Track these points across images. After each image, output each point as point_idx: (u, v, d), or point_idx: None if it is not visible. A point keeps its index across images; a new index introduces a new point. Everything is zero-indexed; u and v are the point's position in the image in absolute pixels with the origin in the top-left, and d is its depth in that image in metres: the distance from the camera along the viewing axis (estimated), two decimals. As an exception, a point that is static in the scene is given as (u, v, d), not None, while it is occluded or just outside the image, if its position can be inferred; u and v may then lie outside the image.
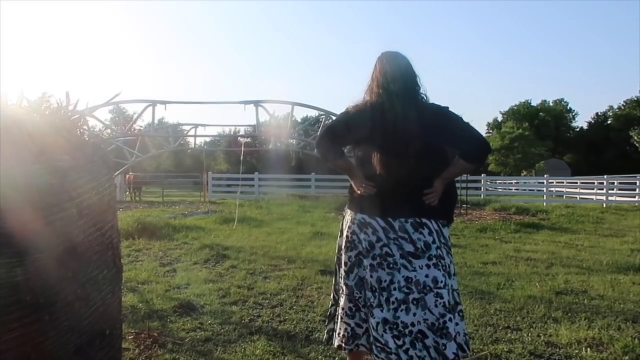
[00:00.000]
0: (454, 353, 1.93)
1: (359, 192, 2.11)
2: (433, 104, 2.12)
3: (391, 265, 2.00)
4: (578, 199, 18.73)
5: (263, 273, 4.93)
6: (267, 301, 3.93)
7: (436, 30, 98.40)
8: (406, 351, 1.94)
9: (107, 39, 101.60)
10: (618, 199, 17.31)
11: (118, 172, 7.99)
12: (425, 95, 2.12)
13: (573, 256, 6.06)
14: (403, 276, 1.98)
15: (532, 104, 58.86)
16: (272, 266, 5.27)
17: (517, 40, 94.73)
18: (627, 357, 2.78)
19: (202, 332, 3.17)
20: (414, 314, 1.97)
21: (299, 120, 27.87)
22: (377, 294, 2.01)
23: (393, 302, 1.97)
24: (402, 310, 1.96)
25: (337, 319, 2.21)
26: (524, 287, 4.35)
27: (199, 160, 30.25)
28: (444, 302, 1.97)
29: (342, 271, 2.18)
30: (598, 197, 17.76)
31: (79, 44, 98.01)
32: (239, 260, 5.54)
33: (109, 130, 8.59)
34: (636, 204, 15.81)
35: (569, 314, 3.59)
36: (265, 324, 3.37)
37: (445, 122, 2.06)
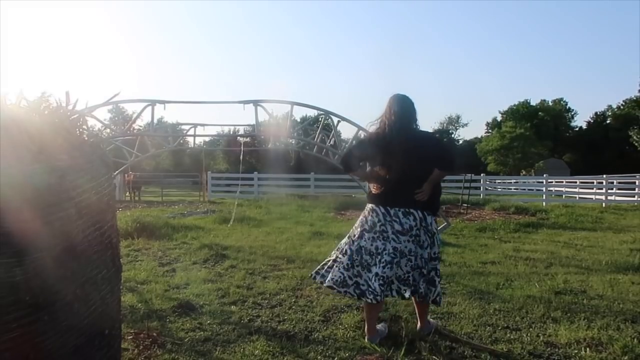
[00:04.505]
0: (408, 296, 3.05)
1: (373, 191, 3.15)
2: (423, 131, 3.22)
3: (385, 238, 3.00)
4: (577, 198, 18.73)
5: (262, 273, 4.93)
6: (267, 301, 3.93)
7: (436, 31, 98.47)
8: (383, 292, 2.95)
9: (106, 39, 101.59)
10: (617, 198, 17.32)
11: (117, 171, 7.98)
12: (418, 126, 3.13)
13: (572, 256, 6.06)
14: (392, 246, 2.98)
15: (531, 104, 58.88)
16: (272, 266, 5.26)
17: (517, 40, 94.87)
18: (626, 357, 2.78)
19: (202, 332, 3.17)
20: (394, 271, 2.97)
21: (299, 119, 27.86)
22: (373, 256, 3.02)
23: (382, 262, 2.96)
24: (387, 268, 2.95)
25: (334, 267, 3.14)
26: (523, 287, 4.36)
27: (198, 160, 30.20)
28: (412, 265, 2.99)
29: (349, 240, 3.15)
30: (597, 197, 17.78)
31: (78, 44, 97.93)
32: (238, 260, 5.54)
33: (108, 130, 8.57)
34: (635, 204, 15.83)
35: (568, 314, 3.60)
36: (264, 324, 3.37)
37: (429, 144, 3.16)
